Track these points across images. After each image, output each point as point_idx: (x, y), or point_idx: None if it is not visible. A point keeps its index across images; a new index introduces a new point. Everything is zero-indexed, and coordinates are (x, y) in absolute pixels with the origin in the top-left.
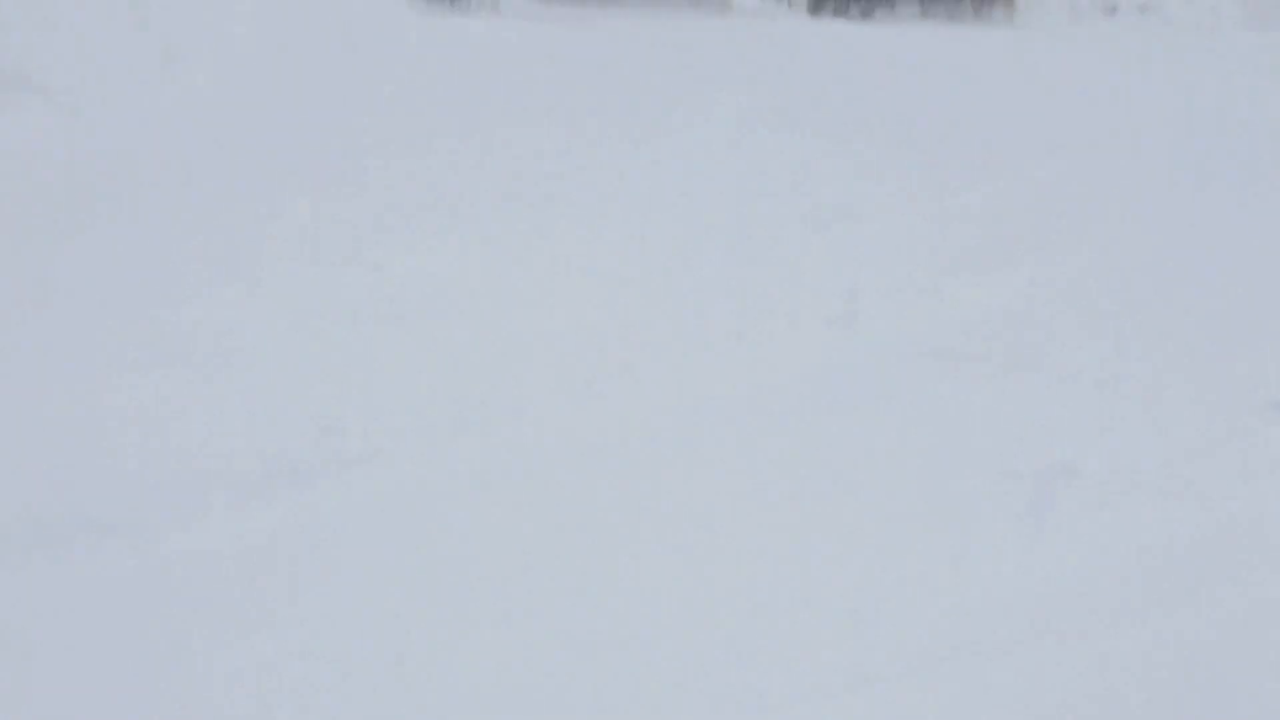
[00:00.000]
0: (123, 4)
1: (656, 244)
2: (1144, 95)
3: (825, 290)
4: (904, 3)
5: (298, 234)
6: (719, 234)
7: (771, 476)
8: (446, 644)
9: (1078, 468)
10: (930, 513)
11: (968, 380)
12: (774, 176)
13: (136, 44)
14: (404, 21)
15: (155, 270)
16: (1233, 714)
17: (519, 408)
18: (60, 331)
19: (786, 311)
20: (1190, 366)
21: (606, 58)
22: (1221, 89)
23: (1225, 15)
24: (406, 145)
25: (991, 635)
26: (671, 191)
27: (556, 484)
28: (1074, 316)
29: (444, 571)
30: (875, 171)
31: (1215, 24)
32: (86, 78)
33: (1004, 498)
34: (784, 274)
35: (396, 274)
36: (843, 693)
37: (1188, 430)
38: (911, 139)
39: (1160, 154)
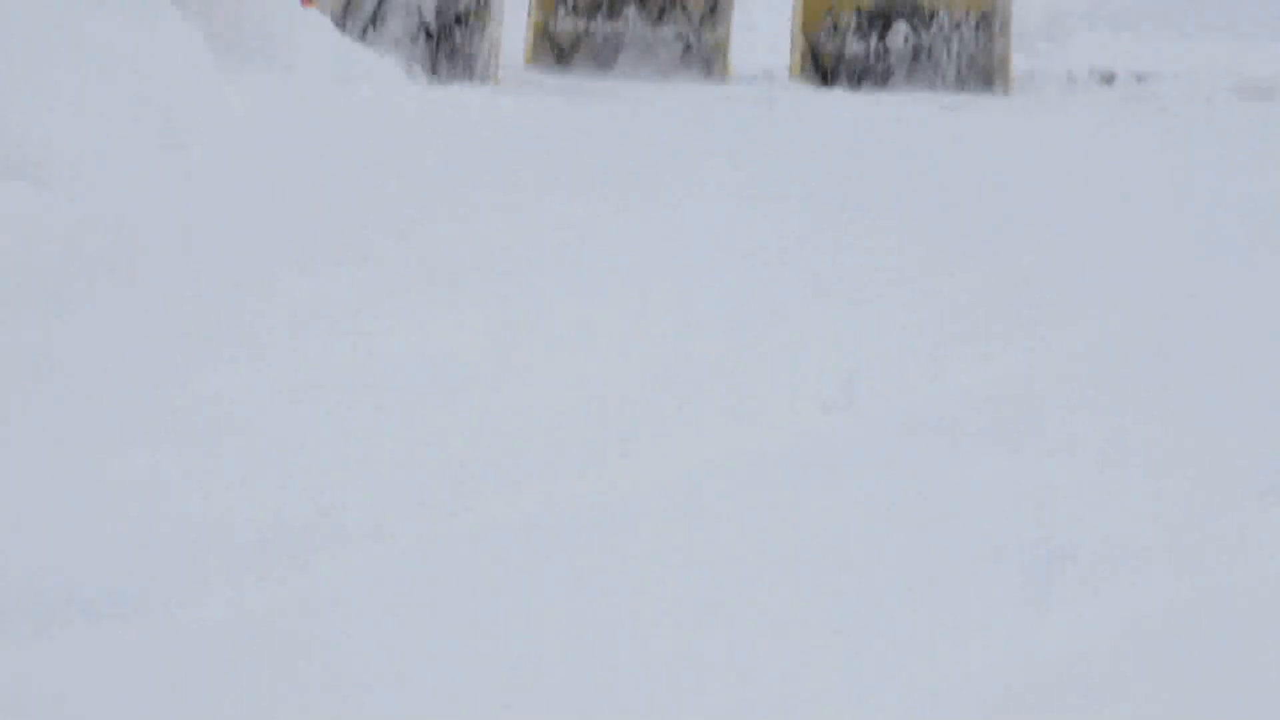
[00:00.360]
0: (123, 82)
1: (653, 320)
2: (1142, 167)
3: (823, 366)
4: (903, 71)
5: (297, 309)
6: (716, 310)
7: (767, 553)
8: None
9: (1076, 546)
10: (927, 590)
11: (965, 458)
12: (771, 252)
13: (136, 121)
14: (403, 93)
15: (154, 346)
16: None
17: (516, 484)
18: (59, 407)
19: (783, 388)
20: (1191, 445)
21: (605, 128)
22: (1220, 161)
23: (1221, 85)
24: (404, 219)
25: (989, 715)
26: (669, 267)
27: (553, 562)
28: (1073, 394)
29: (445, 649)
30: (873, 247)
31: (1212, 93)
32: (85, 154)
33: (1002, 575)
34: (781, 349)
35: (394, 348)
36: None
37: (1187, 510)
38: (909, 213)
39: (1159, 227)
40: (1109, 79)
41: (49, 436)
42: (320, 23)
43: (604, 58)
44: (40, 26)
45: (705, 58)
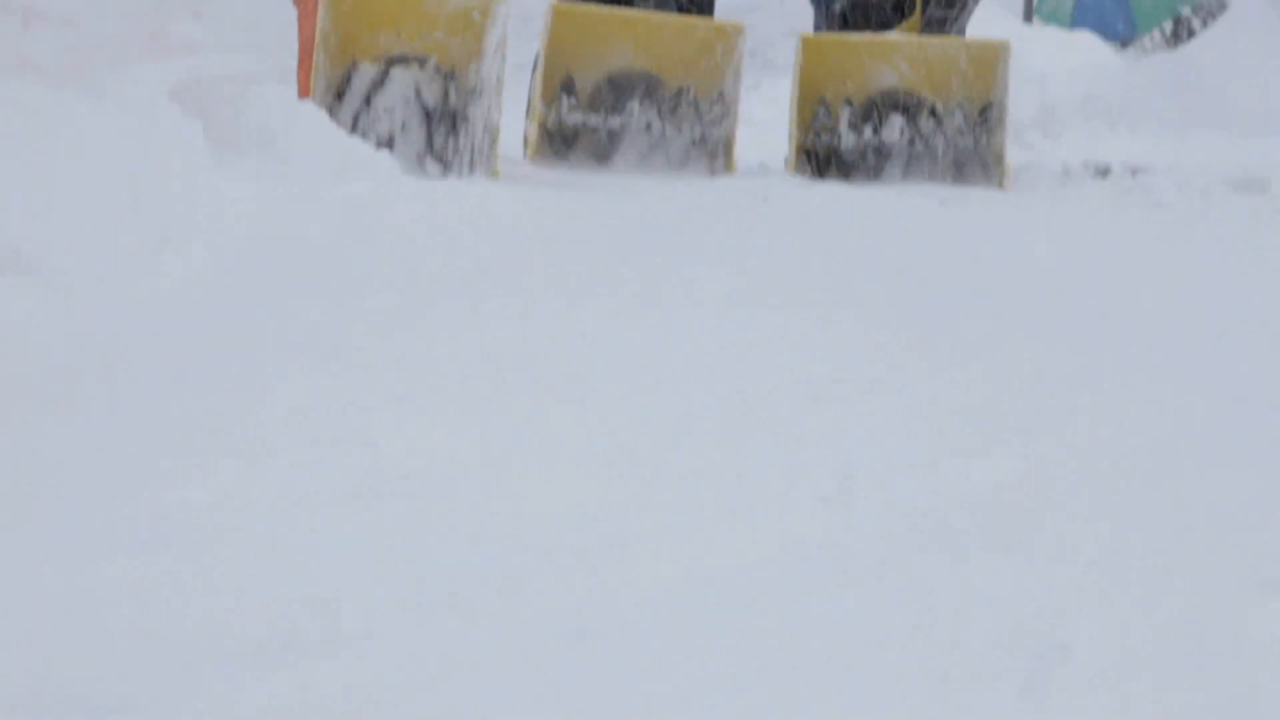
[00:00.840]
0: (120, 187)
1: (650, 419)
2: (1138, 262)
3: (819, 466)
4: (899, 164)
5: (292, 412)
6: (712, 408)
7: (765, 654)
8: None
9: (1072, 646)
10: (923, 690)
11: (962, 557)
12: (768, 350)
13: (133, 226)
14: (400, 188)
15: (150, 449)
16: None
17: (513, 587)
18: (54, 510)
19: (781, 487)
20: (1186, 544)
21: (603, 225)
22: (1215, 255)
23: (1216, 178)
24: (400, 320)
25: None
26: (665, 365)
27: (550, 664)
28: (1071, 492)
29: None
30: (869, 345)
31: (1206, 187)
32: (82, 259)
33: (998, 676)
34: (778, 449)
35: (389, 450)
36: None
37: (1183, 609)
38: (905, 311)
39: (1157, 324)
40: (1103, 172)
41: (46, 538)
42: (317, 118)
43: (607, 152)
44: (36, 123)
45: (710, 153)
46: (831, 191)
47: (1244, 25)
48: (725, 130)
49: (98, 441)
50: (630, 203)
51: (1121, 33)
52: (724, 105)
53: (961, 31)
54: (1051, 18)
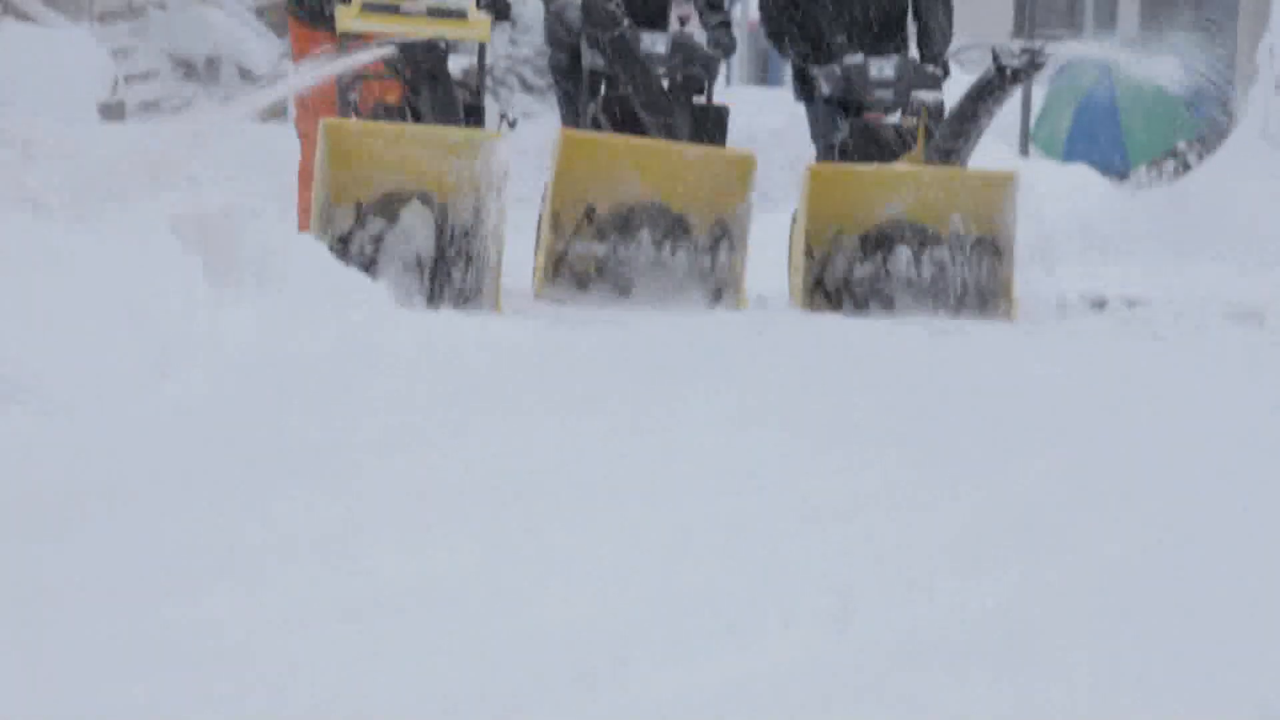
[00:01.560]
0: (119, 316)
1: (648, 540)
2: (1135, 394)
3: (818, 586)
4: (905, 295)
5: (292, 532)
6: (710, 530)
7: None
8: None
9: None
10: None
11: (962, 678)
12: (766, 473)
13: (132, 349)
14: (397, 319)
15: (150, 570)
16: None
17: (511, 706)
18: (56, 632)
19: (779, 607)
20: (1185, 667)
21: (602, 351)
22: (1210, 387)
23: (1212, 310)
24: (397, 441)
25: None
26: (664, 487)
27: None
28: (1069, 615)
29: None
30: (866, 466)
31: (1203, 320)
32: (82, 382)
33: None
34: (776, 569)
35: (387, 570)
36: None
37: None
38: (903, 434)
39: (1154, 453)
40: (1100, 304)
41: (48, 660)
42: (315, 249)
43: (615, 283)
44: (36, 254)
45: (719, 284)
46: (834, 322)
47: (1239, 158)
48: (735, 262)
49: (96, 563)
50: (631, 332)
51: (1116, 165)
52: (734, 237)
53: (964, 163)
54: (1046, 146)
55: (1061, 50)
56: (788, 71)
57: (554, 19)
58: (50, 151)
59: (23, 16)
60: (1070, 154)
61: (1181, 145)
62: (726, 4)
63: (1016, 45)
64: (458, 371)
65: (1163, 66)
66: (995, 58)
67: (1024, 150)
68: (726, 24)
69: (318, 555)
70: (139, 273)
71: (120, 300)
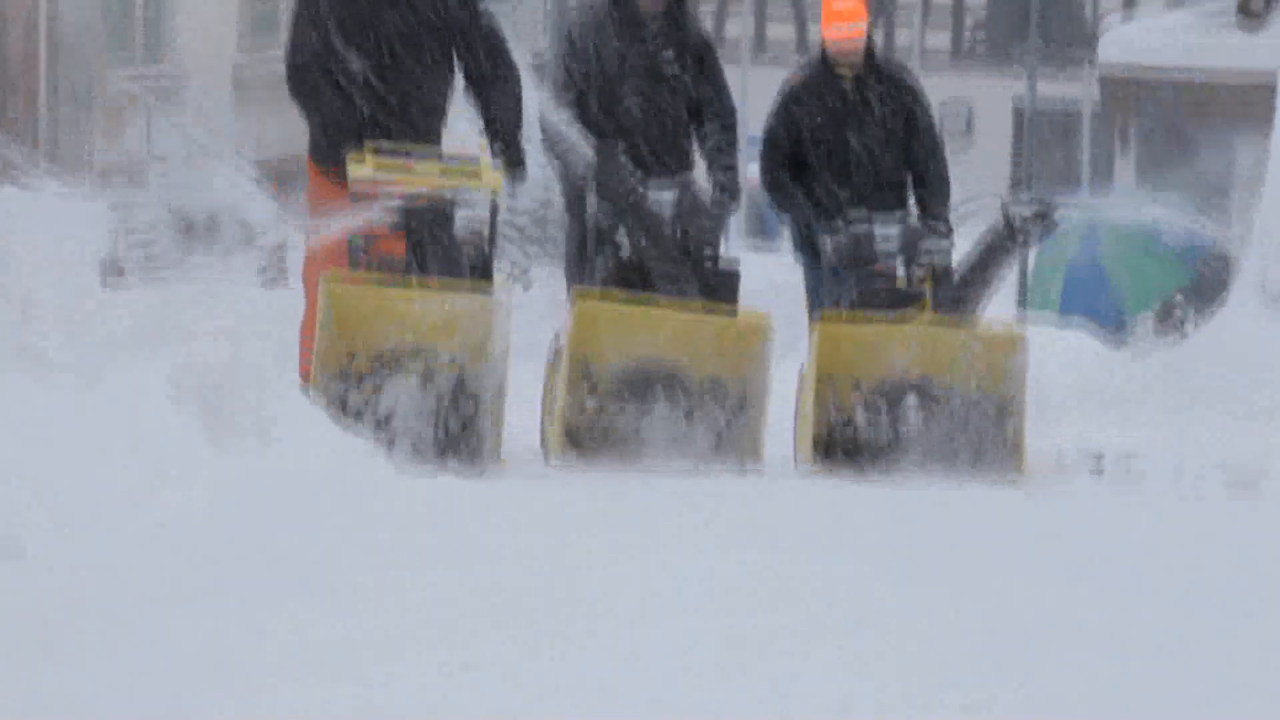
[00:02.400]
0: (117, 474)
1: (648, 657)
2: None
3: (818, 701)
4: (913, 451)
5: (288, 653)
6: (711, 646)
7: None
8: None
9: None
10: None
11: None
12: (766, 589)
13: (128, 467)
14: (394, 478)
15: (147, 691)
16: None
17: None
18: None
19: None
20: None
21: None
22: (1207, 555)
23: (1210, 468)
24: (394, 568)
25: None
26: (664, 603)
27: None
28: None
29: None
30: (866, 585)
31: (1200, 478)
32: (80, 543)
33: None
34: (777, 685)
35: (385, 692)
36: None
37: None
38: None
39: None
40: (1097, 461)
41: None
42: (312, 409)
43: (630, 448)
44: (35, 413)
45: (735, 448)
46: (839, 479)
47: (1236, 316)
48: (752, 425)
49: (94, 685)
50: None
51: (1111, 319)
52: (750, 399)
53: (973, 320)
54: (1043, 306)
55: (1068, 206)
56: (785, 229)
57: (558, 167)
58: (49, 309)
59: (23, 176)
60: (1065, 307)
61: (1178, 299)
62: (731, 153)
63: (1026, 200)
64: (456, 530)
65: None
66: (1005, 213)
67: (1021, 302)
68: (733, 168)
69: (312, 675)
70: (136, 430)
71: (117, 458)
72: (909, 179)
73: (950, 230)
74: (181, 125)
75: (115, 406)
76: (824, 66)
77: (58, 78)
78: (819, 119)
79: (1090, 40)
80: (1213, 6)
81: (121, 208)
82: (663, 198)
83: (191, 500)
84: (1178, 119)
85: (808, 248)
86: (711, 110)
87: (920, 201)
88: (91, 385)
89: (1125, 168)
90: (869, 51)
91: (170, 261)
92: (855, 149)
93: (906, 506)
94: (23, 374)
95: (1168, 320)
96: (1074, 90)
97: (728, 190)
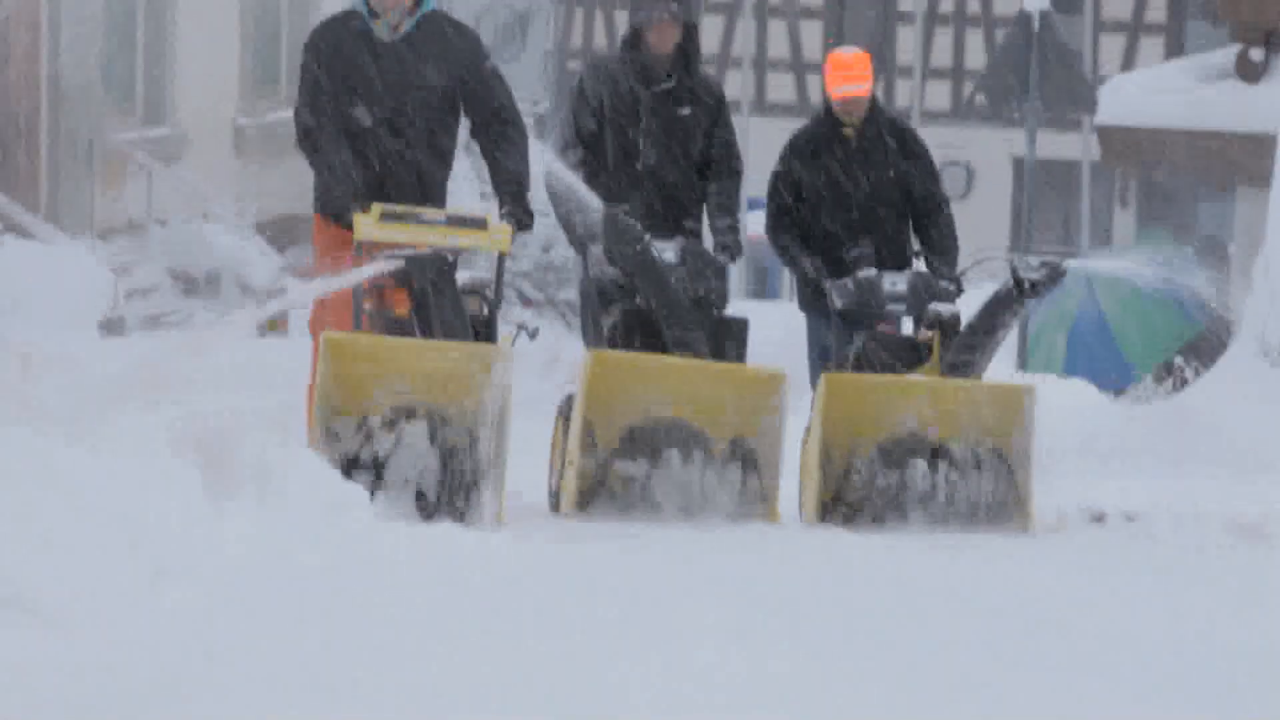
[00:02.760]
0: (115, 525)
1: None
2: (1135, 612)
3: None
4: (920, 509)
5: None
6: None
7: None
8: None
9: None
10: None
11: None
12: (772, 686)
13: (128, 563)
14: (395, 532)
15: None
16: None
17: None
18: None
19: None
20: None
21: (607, 564)
22: (1210, 606)
23: (1213, 525)
24: (393, 654)
25: None
26: (668, 702)
27: None
28: None
29: None
30: (865, 683)
31: (1203, 534)
32: (78, 595)
33: None
34: None
35: None
36: None
37: None
38: (902, 649)
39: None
40: (1099, 518)
41: None
42: (313, 463)
43: (643, 504)
44: (35, 467)
45: (750, 504)
46: (844, 536)
47: (1235, 372)
48: (766, 480)
49: None
50: (638, 545)
51: (1115, 379)
52: (764, 454)
53: (980, 376)
54: (1044, 368)
55: (1076, 264)
56: (786, 284)
57: (563, 221)
58: (50, 366)
59: (24, 233)
60: (1069, 369)
61: (1178, 359)
62: (736, 209)
63: (1034, 259)
64: (456, 584)
65: (1171, 277)
66: (1013, 271)
67: (1021, 366)
68: (734, 228)
69: None
70: (136, 483)
71: (117, 512)
72: (913, 235)
73: (960, 287)
74: (182, 183)
75: (114, 462)
76: (829, 120)
77: (60, 135)
78: (823, 172)
79: (1090, 99)
80: (1212, 60)
81: (122, 264)
82: (664, 254)
83: (190, 558)
84: (1177, 173)
85: (813, 300)
86: (720, 164)
87: (927, 259)
88: (91, 441)
89: (1125, 222)
90: (873, 106)
91: (170, 318)
92: (859, 203)
93: (910, 565)
94: (23, 429)
95: (1168, 378)
96: (1073, 146)
97: (728, 249)
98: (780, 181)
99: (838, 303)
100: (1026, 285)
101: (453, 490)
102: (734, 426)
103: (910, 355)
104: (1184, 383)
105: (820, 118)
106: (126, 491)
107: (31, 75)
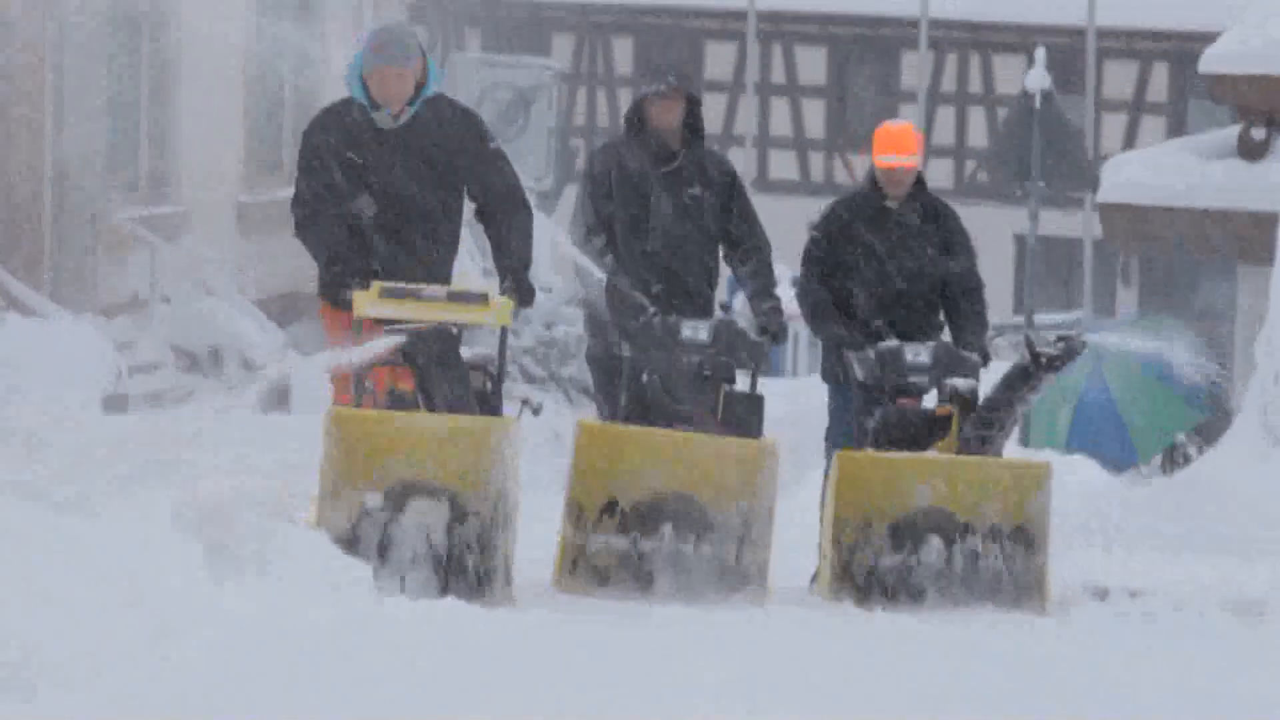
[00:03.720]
0: (117, 583)
1: None
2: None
3: None
4: (935, 587)
5: None
6: None
7: None
8: None
9: None
10: None
11: None
12: None
13: (129, 621)
14: (397, 606)
15: None
16: None
17: None
18: None
19: None
20: None
21: (613, 641)
22: (1216, 681)
23: (1214, 600)
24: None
25: None
26: None
27: None
28: None
29: None
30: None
31: (1204, 611)
32: (79, 654)
33: None
34: None
35: None
36: None
37: None
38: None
39: None
40: (1102, 595)
41: None
42: (315, 538)
43: (636, 579)
44: (38, 546)
45: (743, 578)
46: (859, 615)
47: (1237, 449)
48: (759, 554)
49: None
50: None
51: (1119, 459)
52: (757, 529)
53: (998, 453)
54: (1045, 443)
55: (1095, 338)
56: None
57: (588, 308)
58: (54, 442)
59: (28, 310)
60: (1073, 442)
61: (1181, 437)
62: (774, 288)
63: (1050, 334)
64: (455, 658)
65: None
66: (1029, 346)
67: (1024, 442)
68: (778, 309)
69: None
70: (138, 562)
71: (120, 591)
72: (943, 311)
73: (986, 360)
74: (185, 260)
75: (118, 537)
76: (872, 191)
77: (63, 212)
78: (860, 243)
79: (1091, 177)
80: (1214, 139)
81: (125, 341)
82: (698, 334)
83: (191, 630)
84: (1179, 251)
85: (836, 372)
86: (747, 246)
87: (955, 330)
88: (94, 516)
89: (1127, 299)
90: (918, 182)
91: (173, 394)
92: (893, 274)
93: (918, 647)
94: (27, 505)
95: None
96: (1075, 223)
97: (769, 330)
98: (816, 247)
99: (859, 374)
100: (1044, 360)
101: (460, 567)
102: (726, 499)
103: (928, 430)
104: (1186, 459)
105: (864, 188)
106: (128, 568)
107: (35, 152)
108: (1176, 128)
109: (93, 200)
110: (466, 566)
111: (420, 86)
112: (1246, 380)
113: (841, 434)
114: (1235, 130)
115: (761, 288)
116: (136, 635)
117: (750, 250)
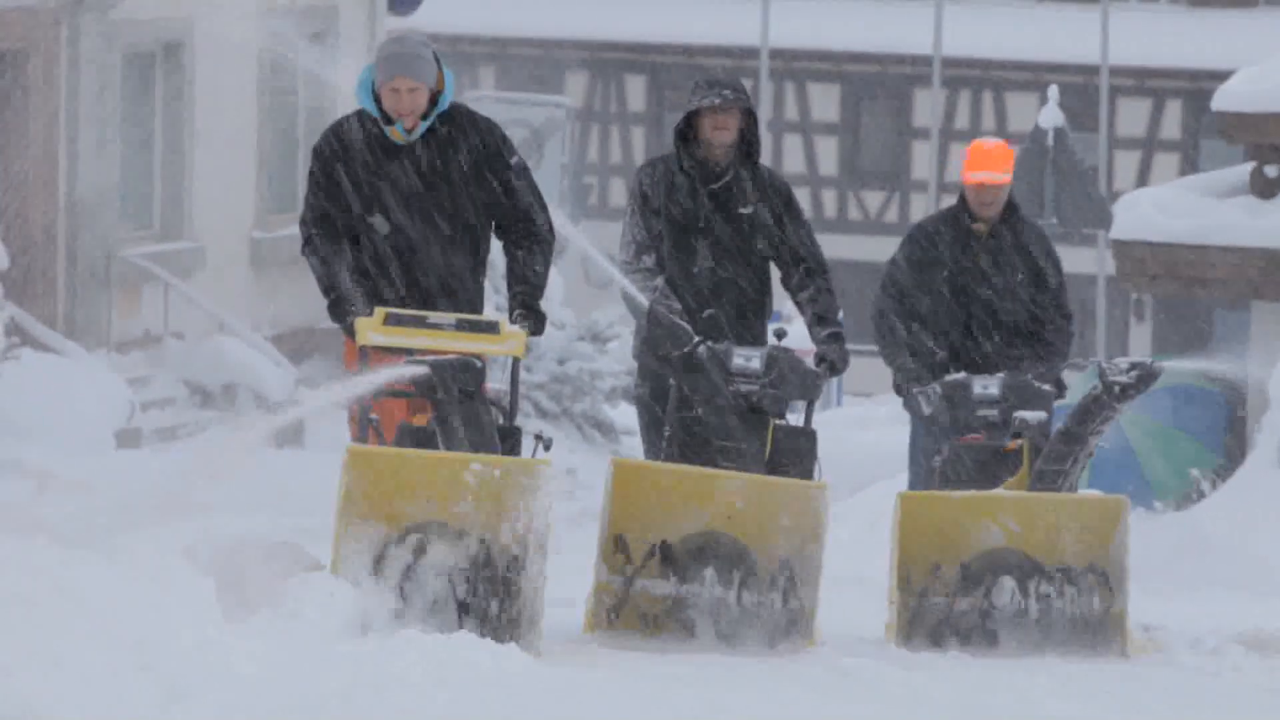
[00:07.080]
0: (127, 645)
1: None
2: None
3: None
4: (1009, 631)
5: None
6: None
7: None
8: None
9: None
10: None
11: None
12: None
13: (139, 685)
14: (415, 648)
15: None
16: None
17: None
18: None
19: None
20: None
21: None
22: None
23: (1228, 637)
24: None
25: None
26: None
27: None
28: None
29: None
30: None
31: (1219, 647)
32: (90, 715)
33: None
34: None
35: None
36: None
37: None
38: None
39: None
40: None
41: None
42: (331, 582)
43: (677, 624)
44: (49, 584)
45: (789, 623)
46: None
47: (1252, 486)
48: (806, 598)
49: None
50: (680, 667)
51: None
52: (805, 573)
53: (1073, 488)
54: None
55: (1171, 364)
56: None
57: (644, 346)
58: (65, 482)
59: (42, 346)
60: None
61: (1195, 473)
62: (835, 313)
63: (1124, 362)
64: (477, 708)
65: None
66: (1102, 375)
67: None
68: (838, 336)
69: None
70: (150, 602)
71: (131, 630)
72: (1026, 341)
73: (1061, 391)
74: (199, 297)
75: (129, 578)
76: (960, 212)
77: (77, 250)
78: (945, 266)
79: (1105, 214)
80: (1227, 177)
81: (138, 377)
82: (750, 362)
83: (205, 674)
84: (1193, 288)
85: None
86: (805, 268)
87: (1031, 358)
88: (105, 557)
89: (1141, 335)
90: (1009, 204)
91: (186, 430)
92: (977, 302)
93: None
94: (37, 545)
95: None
96: (1088, 260)
97: (828, 360)
98: (895, 270)
99: (924, 409)
100: (1116, 390)
101: (487, 610)
102: (771, 542)
103: (998, 466)
104: (1201, 496)
105: (951, 208)
106: (140, 608)
107: (49, 190)
108: (1190, 165)
109: (106, 237)
110: (493, 610)
111: (436, 98)
112: (1259, 417)
113: (916, 464)
114: (1248, 168)
115: (821, 313)
116: (148, 698)
117: (809, 273)
